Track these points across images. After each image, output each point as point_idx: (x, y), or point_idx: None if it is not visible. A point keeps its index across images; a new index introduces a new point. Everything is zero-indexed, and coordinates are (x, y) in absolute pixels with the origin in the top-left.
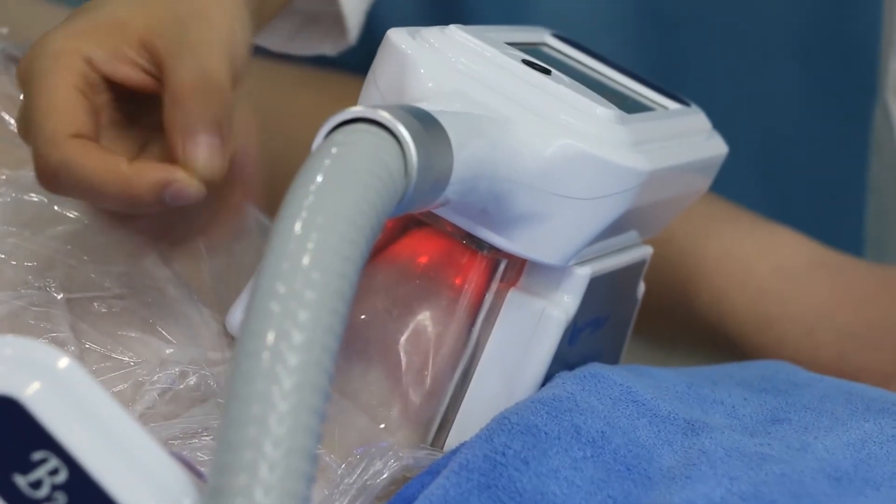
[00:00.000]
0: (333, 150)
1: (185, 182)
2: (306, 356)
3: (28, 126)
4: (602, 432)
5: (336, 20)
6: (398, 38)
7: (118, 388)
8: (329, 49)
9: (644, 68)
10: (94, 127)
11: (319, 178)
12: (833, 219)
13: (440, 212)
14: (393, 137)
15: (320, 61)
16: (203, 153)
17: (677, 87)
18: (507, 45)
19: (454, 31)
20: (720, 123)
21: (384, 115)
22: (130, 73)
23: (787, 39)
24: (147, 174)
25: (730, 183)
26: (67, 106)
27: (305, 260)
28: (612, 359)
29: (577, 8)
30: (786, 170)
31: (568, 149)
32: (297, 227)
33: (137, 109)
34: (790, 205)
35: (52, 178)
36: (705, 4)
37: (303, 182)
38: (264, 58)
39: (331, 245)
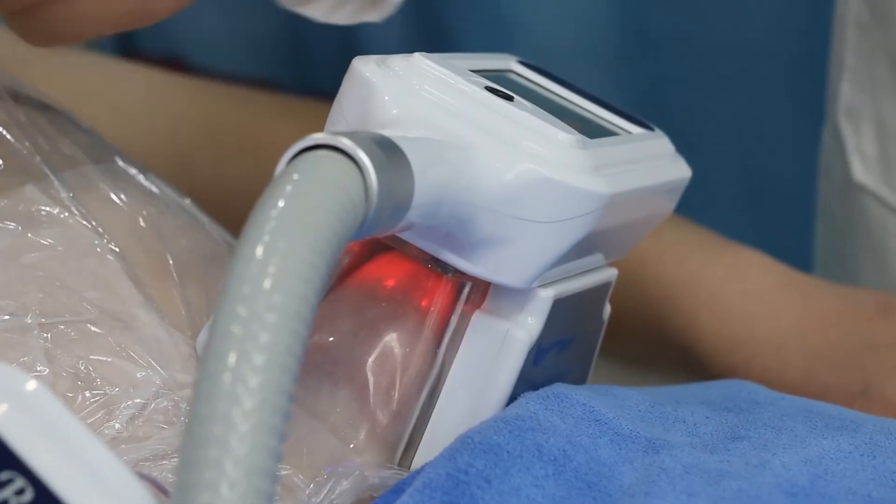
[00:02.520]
0: (295, 176)
1: None
2: (267, 377)
3: None
4: (564, 451)
5: None
6: (363, 66)
7: (90, 412)
8: (373, 16)
9: (629, 92)
10: None
11: (281, 203)
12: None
13: (405, 236)
14: (354, 163)
15: (302, 89)
16: None
17: (661, 112)
18: (470, 73)
19: (419, 58)
20: (705, 147)
21: (345, 142)
22: None
23: (773, 63)
24: None
25: (714, 205)
26: None
27: (266, 283)
28: (579, 379)
29: (563, 34)
30: (770, 192)
31: (528, 173)
32: (259, 251)
33: None
34: (775, 226)
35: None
36: (690, 30)
37: (264, 207)
38: (245, 85)
39: (292, 269)
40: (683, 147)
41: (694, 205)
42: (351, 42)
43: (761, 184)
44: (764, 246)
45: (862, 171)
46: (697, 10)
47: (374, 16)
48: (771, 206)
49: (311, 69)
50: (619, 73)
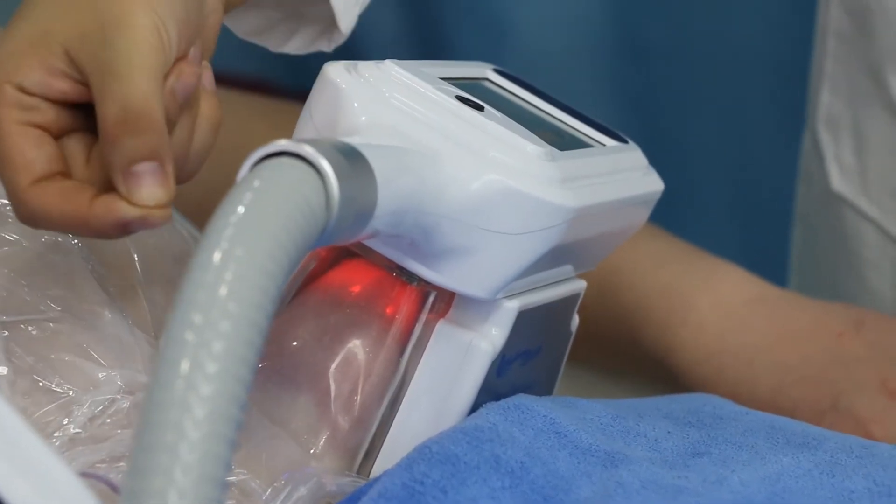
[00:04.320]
0: (256, 183)
1: (140, 215)
2: (219, 386)
3: None
4: (521, 463)
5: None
6: (334, 72)
7: (48, 411)
8: (325, 46)
9: (620, 99)
10: (48, 156)
11: (240, 210)
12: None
13: (370, 243)
14: (315, 171)
15: (295, 88)
16: (145, 188)
17: (651, 118)
18: (441, 81)
19: (389, 66)
20: (693, 153)
21: (307, 150)
22: (65, 88)
23: (760, 72)
24: (104, 215)
25: (701, 210)
26: (16, 152)
27: (223, 291)
28: (545, 390)
29: (557, 40)
30: (754, 199)
31: (494, 184)
32: (216, 257)
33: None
34: (765, 234)
35: (30, 224)
36: (681, 39)
37: (223, 213)
38: (237, 85)
39: (248, 277)
40: (672, 153)
41: (681, 209)
42: (344, 43)
43: (746, 190)
44: (746, 251)
45: (840, 181)
46: (688, 19)
47: (326, 46)
48: (754, 213)
49: (303, 69)
50: (611, 79)
